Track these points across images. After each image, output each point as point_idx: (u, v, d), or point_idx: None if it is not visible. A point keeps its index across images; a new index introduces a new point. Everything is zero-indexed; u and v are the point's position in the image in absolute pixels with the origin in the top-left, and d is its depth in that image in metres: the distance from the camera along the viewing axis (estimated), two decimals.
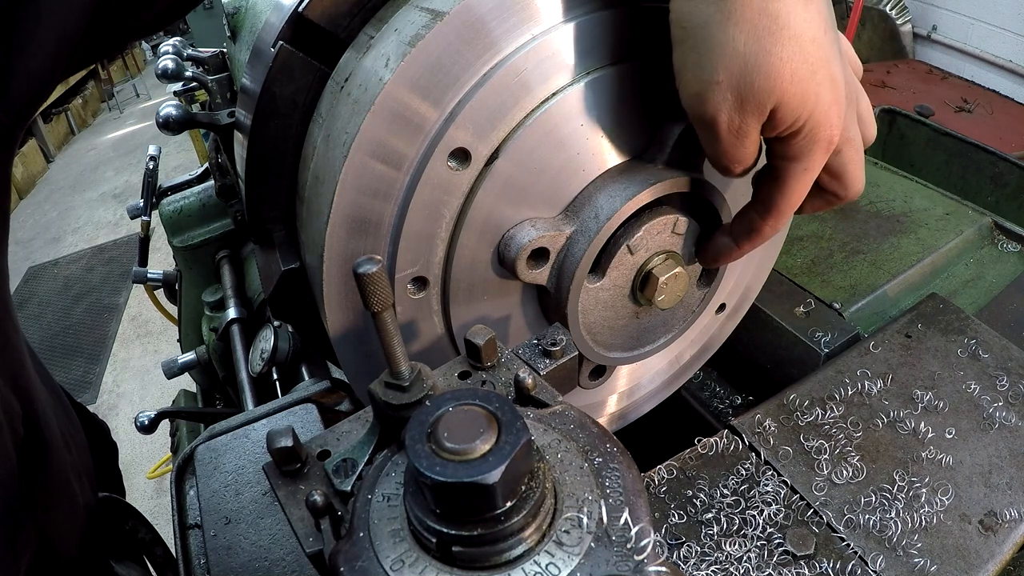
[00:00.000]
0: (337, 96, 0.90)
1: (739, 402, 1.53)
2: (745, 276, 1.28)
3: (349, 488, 0.65)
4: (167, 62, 1.66)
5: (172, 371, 2.09)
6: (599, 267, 0.97)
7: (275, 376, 1.65)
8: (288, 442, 0.65)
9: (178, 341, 2.37)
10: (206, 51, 1.78)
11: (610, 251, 0.96)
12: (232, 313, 1.90)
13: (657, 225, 0.96)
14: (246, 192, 1.03)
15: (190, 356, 2.06)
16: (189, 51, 1.80)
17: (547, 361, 0.80)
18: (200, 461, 1.09)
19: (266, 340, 1.69)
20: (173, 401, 2.44)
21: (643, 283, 1.00)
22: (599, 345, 1.07)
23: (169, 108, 1.45)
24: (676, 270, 0.98)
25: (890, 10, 4.44)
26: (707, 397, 1.55)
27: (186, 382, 2.33)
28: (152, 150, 2.47)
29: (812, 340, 1.37)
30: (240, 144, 1.12)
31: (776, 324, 1.43)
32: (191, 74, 1.70)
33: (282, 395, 1.50)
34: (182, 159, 7.44)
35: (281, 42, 0.92)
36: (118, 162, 8.39)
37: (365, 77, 0.85)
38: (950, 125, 2.50)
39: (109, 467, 1.44)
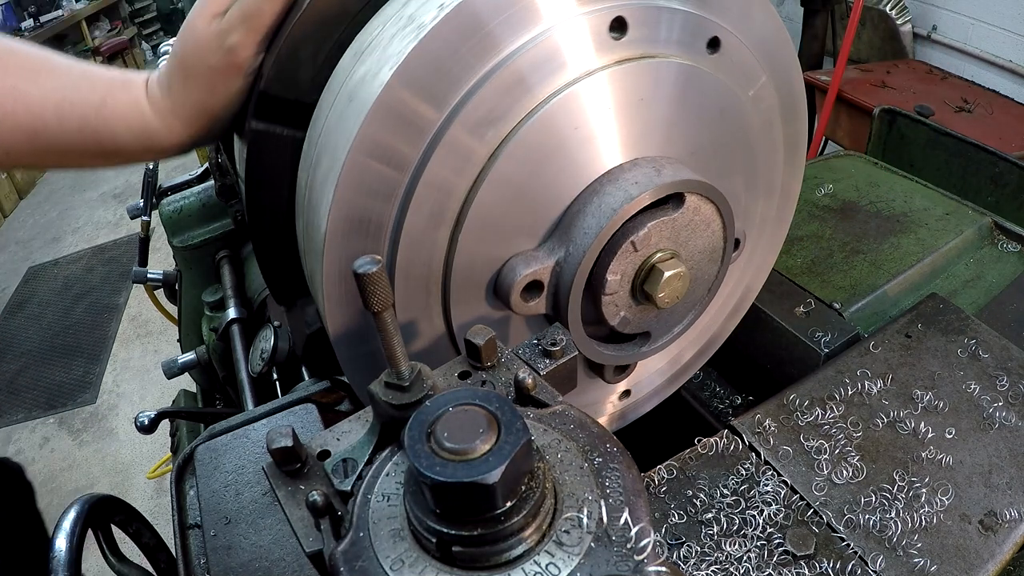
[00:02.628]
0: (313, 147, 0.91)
1: (739, 402, 1.53)
2: (745, 276, 1.28)
3: (349, 488, 0.65)
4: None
5: (172, 371, 2.08)
6: (594, 282, 0.96)
7: (275, 376, 1.65)
8: (288, 442, 0.65)
9: (178, 341, 2.37)
10: None
11: (598, 276, 0.95)
12: (232, 313, 1.90)
13: (657, 226, 0.95)
14: (257, 252, 1.08)
15: (190, 356, 2.05)
16: None
17: (547, 361, 0.80)
18: (200, 461, 1.09)
19: (266, 340, 1.68)
20: (173, 401, 2.44)
21: (646, 278, 0.99)
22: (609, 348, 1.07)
23: None
24: (676, 270, 0.97)
25: (890, 10, 4.44)
26: (707, 397, 1.55)
27: (186, 382, 2.32)
28: None
29: (812, 340, 1.37)
30: (240, 144, 1.12)
31: (776, 324, 1.43)
32: None
33: (282, 395, 1.49)
34: (182, 159, 7.44)
35: (253, 121, 0.95)
36: None
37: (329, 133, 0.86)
38: (950, 125, 2.50)
39: (25, 507, 1.42)
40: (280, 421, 1.14)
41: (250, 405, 1.61)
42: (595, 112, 0.89)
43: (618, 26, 0.88)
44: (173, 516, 1.04)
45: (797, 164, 1.21)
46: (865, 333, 1.39)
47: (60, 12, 9.41)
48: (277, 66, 0.93)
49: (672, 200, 0.95)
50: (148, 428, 1.89)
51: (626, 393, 1.25)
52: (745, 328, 1.37)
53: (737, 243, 1.11)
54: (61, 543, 1.06)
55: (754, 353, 1.48)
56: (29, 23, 8.95)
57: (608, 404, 1.25)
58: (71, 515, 1.11)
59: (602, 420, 1.26)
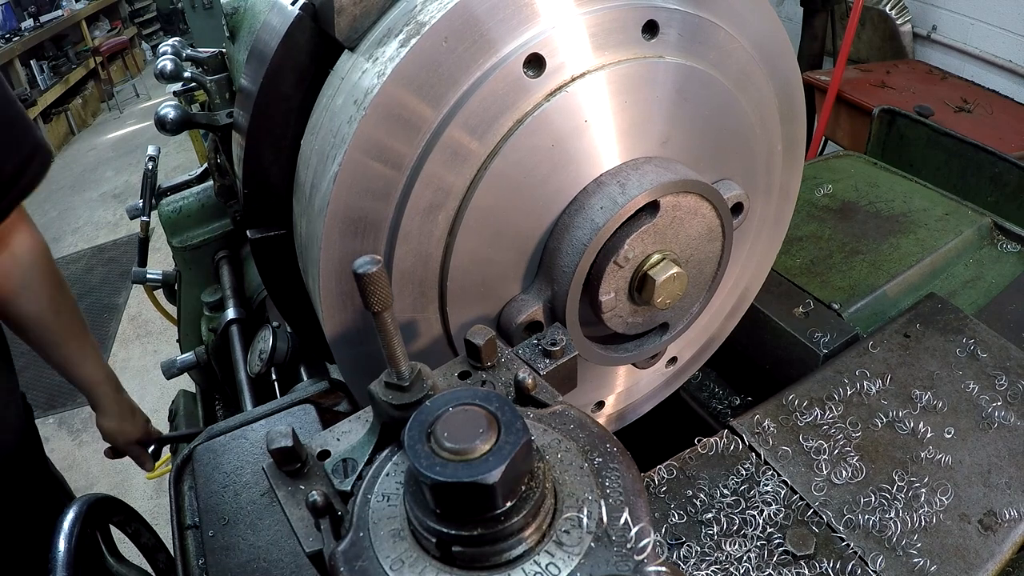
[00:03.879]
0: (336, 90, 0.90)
1: (738, 403, 1.53)
2: (744, 276, 1.28)
3: (349, 488, 0.64)
4: (166, 62, 1.66)
5: (171, 372, 2.08)
6: (592, 305, 0.97)
7: (274, 376, 1.65)
8: (288, 442, 0.65)
9: (177, 341, 2.36)
10: (205, 51, 1.77)
11: (592, 300, 0.96)
12: (231, 313, 1.89)
13: (637, 239, 0.94)
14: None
15: (189, 357, 2.05)
16: (188, 51, 1.79)
17: (547, 361, 0.80)
18: (199, 462, 1.08)
19: (265, 341, 1.68)
20: (172, 401, 2.44)
21: (640, 287, 0.98)
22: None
23: (167, 108, 1.44)
24: (669, 273, 0.96)
25: (890, 10, 4.44)
26: (706, 398, 1.55)
27: (185, 382, 2.32)
28: (151, 150, 2.47)
29: (811, 340, 1.37)
30: (239, 145, 1.12)
31: (775, 324, 1.43)
32: (190, 74, 1.70)
33: (281, 395, 1.49)
34: (182, 159, 7.42)
35: (248, 231, 1.04)
36: (118, 162, 8.37)
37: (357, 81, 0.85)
38: (950, 125, 2.50)
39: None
40: (278, 422, 1.13)
41: (249, 406, 1.61)
42: (594, 111, 0.89)
43: (535, 63, 0.85)
44: (172, 516, 1.04)
45: (796, 164, 1.21)
46: (864, 333, 1.39)
47: (60, 12, 9.41)
48: (249, 183, 1.00)
49: (646, 208, 0.93)
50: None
51: (672, 360, 1.27)
52: (744, 329, 1.37)
53: (740, 208, 1.08)
54: (60, 543, 1.06)
55: (753, 354, 1.48)
56: (29, 23, 8.94)
57: (659, 374, 1.28)
58: (70, 515, 1.11)
59: (601, 420, 1.26)
